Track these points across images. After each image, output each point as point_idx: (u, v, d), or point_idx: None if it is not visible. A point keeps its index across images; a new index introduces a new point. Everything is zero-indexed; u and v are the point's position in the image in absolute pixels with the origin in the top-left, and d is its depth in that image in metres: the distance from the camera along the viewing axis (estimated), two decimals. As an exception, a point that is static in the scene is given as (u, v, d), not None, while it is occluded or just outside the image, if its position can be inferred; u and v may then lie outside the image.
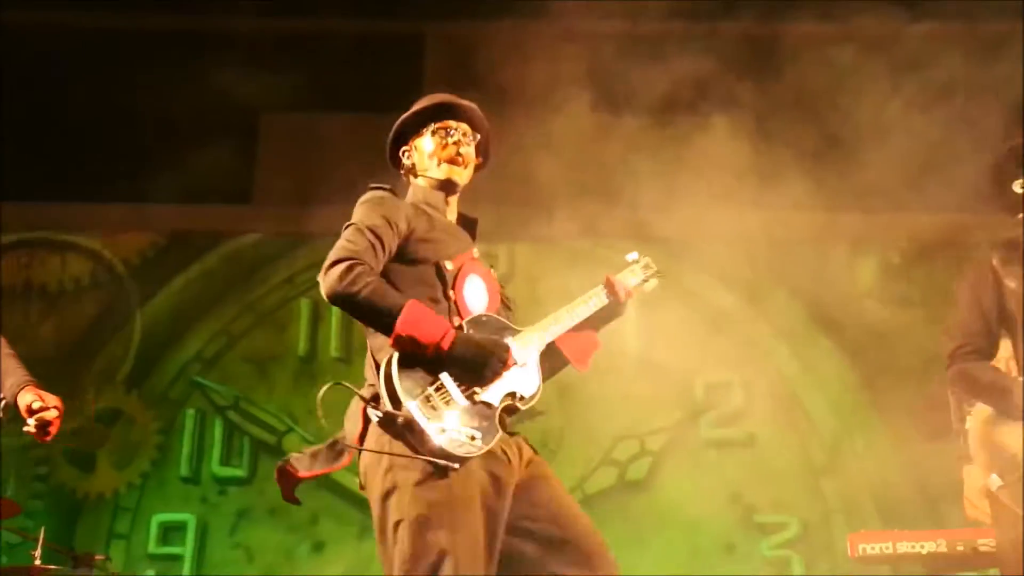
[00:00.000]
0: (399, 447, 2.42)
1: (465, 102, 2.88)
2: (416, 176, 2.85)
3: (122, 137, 6.39)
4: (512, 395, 2.55)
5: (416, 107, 2.86)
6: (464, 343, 2.48)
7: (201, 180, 6.37)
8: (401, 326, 2.43)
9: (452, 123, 2.83)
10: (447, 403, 2.44)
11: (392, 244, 2.63)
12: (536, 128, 5.36)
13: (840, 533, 5.59)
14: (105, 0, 6.35)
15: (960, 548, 4.32)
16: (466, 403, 2.46)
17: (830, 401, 6.10)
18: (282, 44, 6.71)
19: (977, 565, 4.32)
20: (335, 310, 6.33)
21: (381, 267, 2.61)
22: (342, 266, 2.50)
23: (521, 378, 2.58)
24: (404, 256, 2.65)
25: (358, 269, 2.51)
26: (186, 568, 6.02)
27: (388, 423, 2.44)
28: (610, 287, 2.81)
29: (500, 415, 2.51)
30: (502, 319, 2.68)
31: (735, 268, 5.98)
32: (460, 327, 2.56)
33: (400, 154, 2.89)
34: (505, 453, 2.51)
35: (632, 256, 2.99)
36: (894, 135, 5.37)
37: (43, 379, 6.15)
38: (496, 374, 2.51)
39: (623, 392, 5.63)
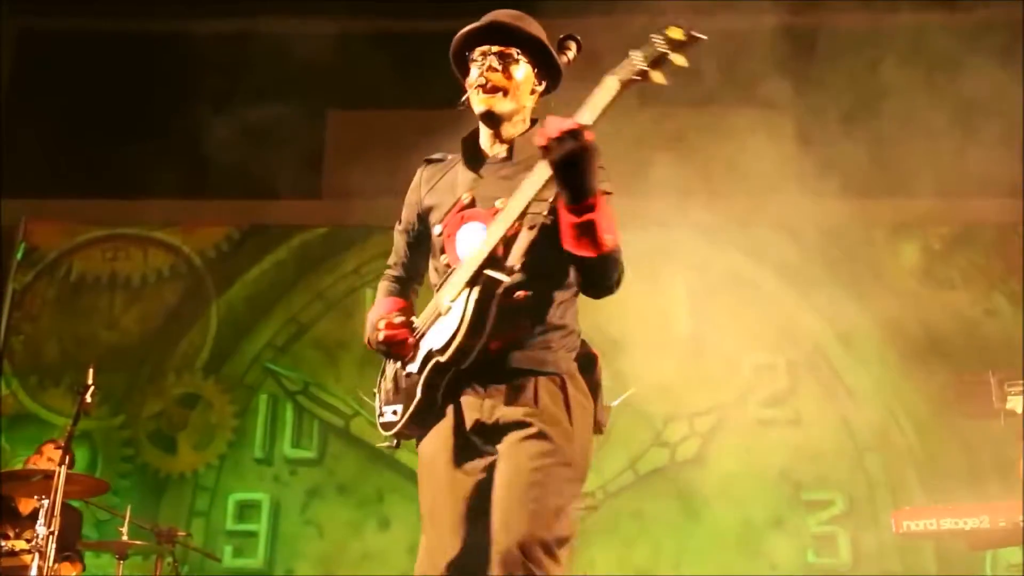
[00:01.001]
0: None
1: (511, 21, 2.53)
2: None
3: (197, 136, 6.60)
4: (428, 355, 2.37)
5: (459, 33, 2.56)
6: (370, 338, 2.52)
7: (273, 176, 6.59)
8: None
9: (487, 48, 2.50)
10: (383, 389, 2.51)
11: (415, 224, 2.61)
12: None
13: (885, 509, 5.62)
14: (182, 6, 6.55)
15: (1003, 524, 4.39)
16: (390, 383, 2.48)
17: (873, 381, 6.09)
18: (347, 43, 6.85)
19: (1020, 541, 4.36)
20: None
21: (410, 254, 2.65)
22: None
23: (438, 329, 2.37)
24: (428, 227, 2.58)
25: (378, 288, 2.70)
26: (261, 544, 6.28)
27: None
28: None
29: (430, 377, 2.36)
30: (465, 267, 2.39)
31: (780, 252, 6.00)
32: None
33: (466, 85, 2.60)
34: (477, 400, 2.37)
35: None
36: (934, 122, 5.39)
37: (127, 366, 6.58)
38: (382, 347, 2.45)
39: (672, 374, 5.64)
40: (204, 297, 6.83)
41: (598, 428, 2.49)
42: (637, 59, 2.18)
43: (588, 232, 2.24)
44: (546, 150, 2.18)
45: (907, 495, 5.78)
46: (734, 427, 6.10)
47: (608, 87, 2.21)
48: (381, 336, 2.45)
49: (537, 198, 2.30)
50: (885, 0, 5.77)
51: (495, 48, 2.50)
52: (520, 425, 2.33)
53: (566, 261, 2.36)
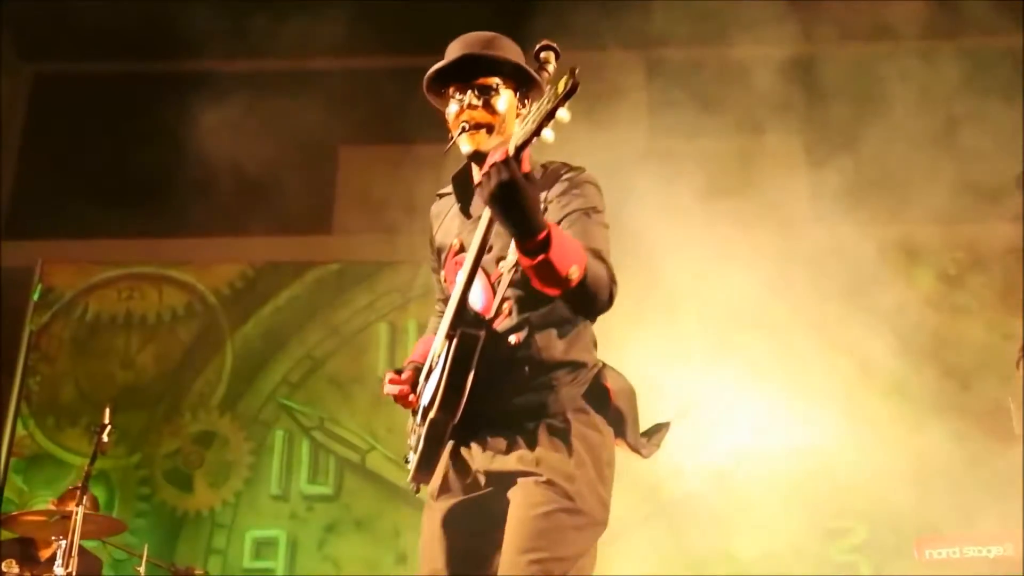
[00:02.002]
0: None
1: (483, 50, 2.40)
2: None
3: (210, 174, 6.66)
4: (425, 408, 2.31)
5: (430, 70, 2.44)
6: None
7: (286, 212, 6.64)
8: None
9: (464, 83, 2.39)
10: (409, 435, 2.48)
11: (436, 266, 2.60)
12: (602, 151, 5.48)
13: (908, 537, 5.57)
14: (194, 47, 6.64)
15: (1029, 552, 4.34)
16: (413, 434, 2.43)
17: (891, 407, 6.05)
18: (359, 78, 6.91)
19: (1047, 569, 4.32)
20: (412, 332, 6.58)
21: (444, 289, 2.57)
22: None
23: (430, 383, 2.32)
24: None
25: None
26: (279, 581, 6.26)
27: None
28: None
29: (431, 430, 2.29)
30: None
31: (793, 280, 6.00)
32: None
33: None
34: (457, 464, 2.37)
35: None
36: (948, 148, 5.40)
37: (143, 405, 6.60)
38: (400, 400, 2.44)
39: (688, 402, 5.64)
40: (219, 334, 6.85)
41: (637, 451, 2.42)
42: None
43: (548, 272, 2.07)
44: (480, 190, 2.06)
45: (930, 522, 5.72)
46: (755, 455, 6.05)
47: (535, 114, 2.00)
48: (385, 391, 2.45)
49: (489, 243, 2.21)
50: (900, 28, 5.78)
51: (473, 82, 2.39)
52: (523, 473, 2.26)
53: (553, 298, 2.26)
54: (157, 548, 5.52)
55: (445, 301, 2.51)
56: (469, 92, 2.39)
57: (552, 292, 2.14)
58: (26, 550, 5.02)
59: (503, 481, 2.30)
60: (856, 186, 5.60)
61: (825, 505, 5.94)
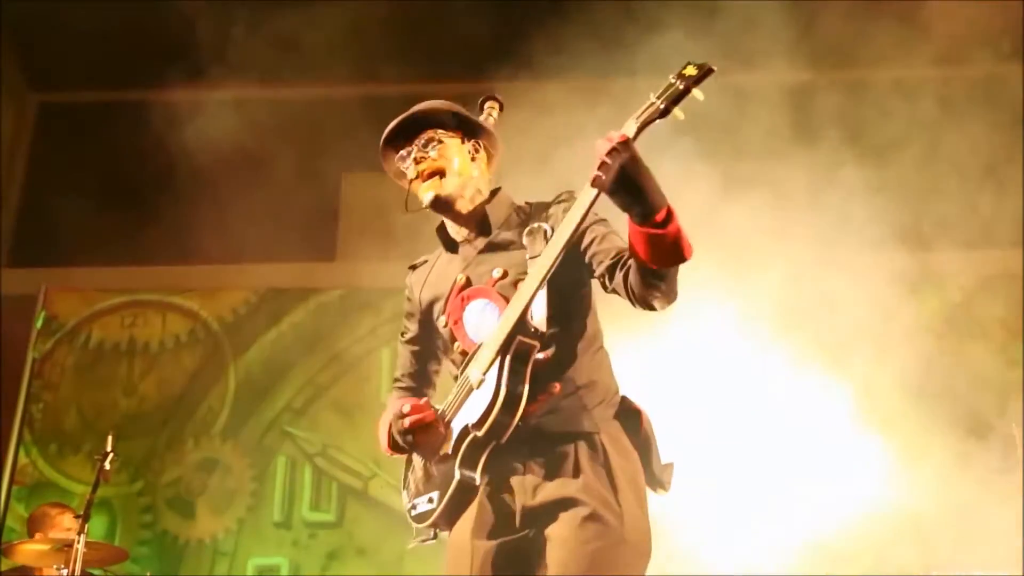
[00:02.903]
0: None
1: (415, 109, 2.54)
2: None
3: (213, 201, 6.69)
4: (464, 430, 2.26)
5: (380, 143, 2.59)
6: (392, 431, 2.45)
7: (289, 239, 6.66)
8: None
9: (410, 143, 2.53)
10: (416, 480, 2.44)
11: (418, 331, 2.63)
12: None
13: (913, 561, 5.54)
14: (198, 74, 6.69)
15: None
16: (421, 472, 2.40)
17: (896, 433, 6.02)
18: (362, 106, 6.95)
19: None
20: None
21: (417, 363, 2.64)
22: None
23: (472, 404, 2.28)
24: (433, 326, 2.57)
25: (388, 400, 2.67)
26: (281, 609, 6.23)
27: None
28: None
29: (466, 456, 2.26)
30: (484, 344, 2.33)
31: (795, 305, 5.99)
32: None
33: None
34: (517, 481, 2.30)
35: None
36: (953, 173, 5.42)
37: (146, 432, 6.59)
38: (408, 437, 2.37)
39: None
40: (222, 361, 6.86)
41: (658, 486, 2.41)
42: (656, 99, 2.12)
43: (673, 244, 2.12)
44: (598, 179, 2.09)
45: (934, 547, 5.68)
46: (759, 478, 6.02)
47: (628, 128, 2.12)
48: (407, 422, 2.34)
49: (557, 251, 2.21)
50: (901, 53, 5.82)
51: (426, 135, 2.50)
52: (566, 505, 2.24)
53: (581, 314, 2.37)
54: (159, 576, 5.53)
55: (413, 376, 2.66)
56: (414, 147, 2.51)
57: (669, 264, 2.15)
58: (27, 577, 5.01)
59: (544, 516, 2.27)
60: (861, 213, 5.60)
61: (830, 529, 5.90)
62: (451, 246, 2.56)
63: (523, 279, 2.30)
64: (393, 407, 2.52)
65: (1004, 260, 6.03)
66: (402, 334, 2.69)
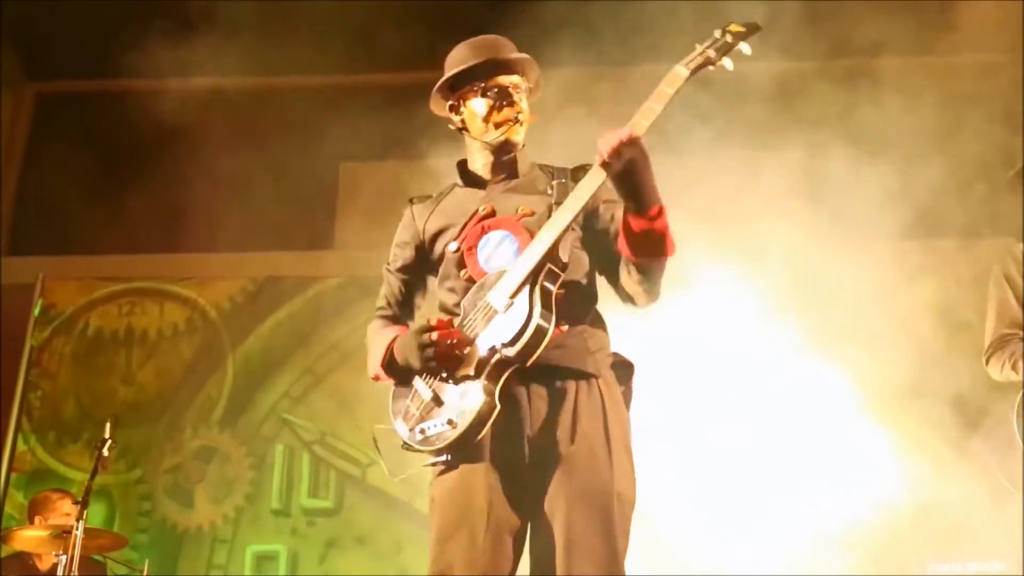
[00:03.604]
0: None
1: (517, 55, 2.64)
2: (468, 135, 2.66)
3: (211, 190, 6.70)
4: (491, 350, 2.32)
5: (466, 63, 2.60)
6: (398, 351, 2.45)
7: (287, 228, 6.66)
8: (369, 371, 2.56)
9: (504, 80, 2.59)
10: (420, 406, 2.39)
11: (412, 261, 2.66)
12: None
13: (910, 553, 5.55)
14: (196, 64, 6.68)
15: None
16: (431, 394, 2.37)
17: (894, 423, 6.03)
18: (360, 95, 6.94)
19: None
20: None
21: (404, 292, 2.68)
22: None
23: (499, 326, 2.33)
24: (431, 258, 2.62)
25: (368, 330, 2.70)
26: (280, 597, 6.25)
27: (404, 446, 2.45)
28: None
29: (490, 377, 2.32)
30: (502, 272, 2.40)
31: (791, 298, 6.00)
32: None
33: (449, 108, 2.69)
34: (520, 416, 2.36)
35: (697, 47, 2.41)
36: (950, 162, 5.42)
37: (144, 421, 6.61)
38: (431, 357, 2.35)
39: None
40: (220, 350, 6.85)
41: None
42: (704, 48, 2.36)
43: (658, 239, 2.33)
44: (606, 164, 2.25)
45: (932, 538, 5.69)
46: (754, 469, 6.02)
47: (675, 76, 2.34)
48: (435, 335, 2.35)
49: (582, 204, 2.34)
50: (900, 41, 5.81)
51: (511, 80, 2.59)
52: (566, 456, 2.32)
53: (584, 269, 2.51)
54: (158, 564, 5.55)
55: (399, 305, 2.70)
56: (516, 89, 2.59)
57: (651, 259, 2.36)
58: (24, 563, 5.01)
59: (546, 456, 2.35)
60: (857, 202, 5.60)
61: (827, 521, 5.91)
62: (475, 182, 2.65)
63: (547, 220, 2.41)
64: (380, 334, 2.61)
65: (1003, 248, 6.01)
66: (391, 262, 2.72)
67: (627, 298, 2.52)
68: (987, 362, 3.74)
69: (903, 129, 5.68)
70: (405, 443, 2.42)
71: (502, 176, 2.63)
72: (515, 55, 2.62)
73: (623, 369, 2.52)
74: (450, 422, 2.32)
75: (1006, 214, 5.18)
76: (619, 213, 2.41)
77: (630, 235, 2.33)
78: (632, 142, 2.24)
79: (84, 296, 7.02)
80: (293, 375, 6.79)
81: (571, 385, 2.39)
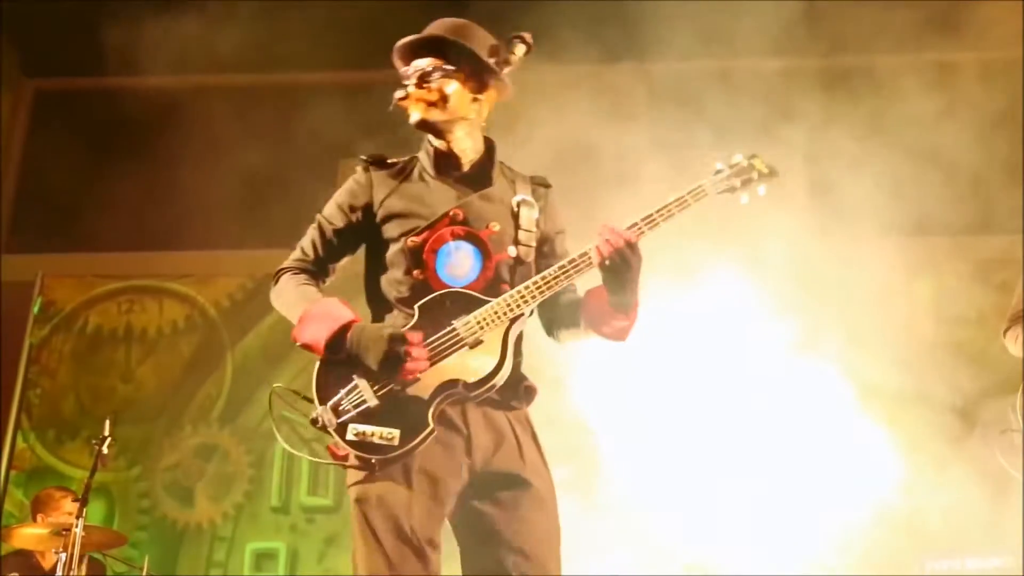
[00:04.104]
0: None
1: (440, 35, 2.55)
2: None
3: (210, 188, 6.69)
4: (453, 383, 2.31)
5: (402, 41, 2.59)
6: (355, 338, 2.34)
7: (285, 226, 6.63)
8: (294, 331, 2.46)
9: (425, 62, 2.53)
10: (358, 404, 2.31)
11: (345, 227, 2.57)
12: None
13: (908, 549, 5.55)
14: (194, 61, 6.67)
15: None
16: (376, 402, 2.31)
17: (893, 419, 6.04)
18: (357, 92, 6.93)
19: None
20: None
21: (325, 253, 2.60)
22: (276, 278, 2.62)
23: (467, 362, 2.32)
24: (381, 234, 2.52)
25: (282, 278, 2.62)
26: (279, 594, 6.25)
27: (313, 425, 2.38)
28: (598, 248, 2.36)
29: (437, 405, 2.31)
30: (471, 294, 2.40)
31: (790, 294, 6.00)
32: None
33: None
34: (461, 441, 2.36)
35: (720, 166, 2.57)
36: (950, 159, 5.42)
37: (143, 418, 6.61)
38: (395, 368, 2.28)
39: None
40: (219, 347, 6.86)
41: None
42: (730, 175, 2.54)
43: (623, 332, 2.47)
44: (601, 257, 2.34)
45: (930, 534, 5.68)
46: (753, 465, 6.02)
47: (701, 193, 2.51)
48: (415, 353, 2.29)
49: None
50: (896, 39, 5.81)
51: (431, 63, 2.51)
52: (516, 481, 2.38)
53: None
54: (157, 561, 5.56)
55: (316, 262, 2.63)
56: (427, 71, 2.51)
57: (604, 336, 2.49)
58: (27, 561, 5.02)
59: (492, 485, 2.38)
60: (856, 198, 5.60)
61: (825, 518, 5.92)
62: (443, 171, 2.57)
63: (514, 246, 2.47)
64: (307, 292, 2.55)
65: (1001, 245, 6.02)
66: (329, 218, 2.61)
67: (553, 336, 2.63)
68: (1004, 334, 3.77)
69: (903, 127, 5.69)
70: (323, 427, 2.35)
71: (474, 175, 2.57)
72: (448, 35, 2.54)
73: (528, 393, 2.52)
74: (392, 437, 2.28)
75: (1006, 212, 5.20)
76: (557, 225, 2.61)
77: (604, 319, 2.45)
78: (632, 247, 2.35)
79: (83, 294, 7.02)
80: (292, 372, 6.76)
81: (503, 417, 2.43)
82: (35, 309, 6.72)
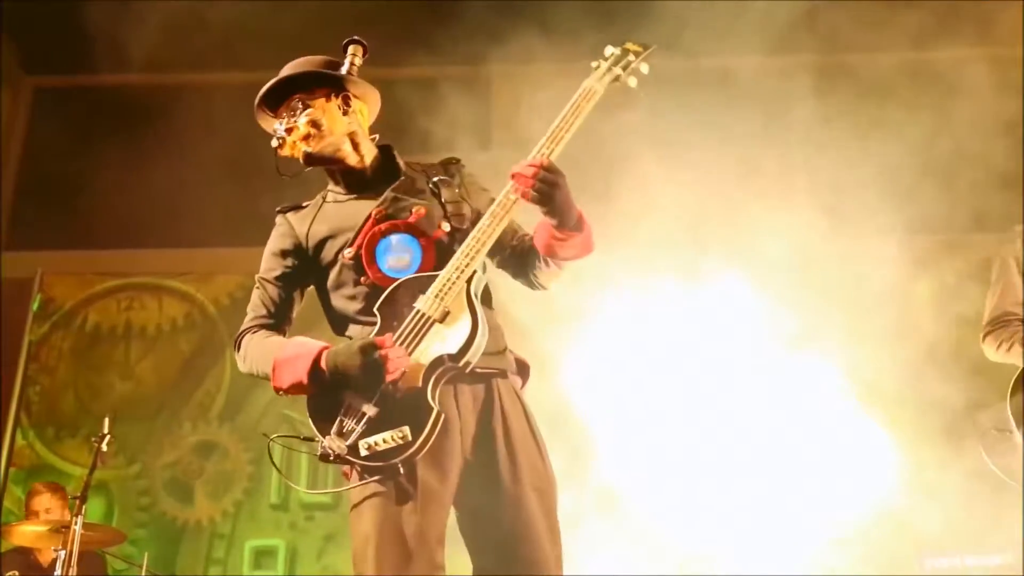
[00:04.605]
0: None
1: (283, 76, 2.67)
2: None
3: (209, 186, 6.69)
4: (439, 360, 2.32)
5: (255, 105, 2.71)
6: (331, 362, 2.36)
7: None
8: (274, 381, 2.45)
9: (280, 107, 2.66)
10: (359, 419, 2.31)
11: (284, 274, 2.63)
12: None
13: (909, 547, 5.55)
14: (194, 59, 6.67)
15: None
16: (375, 409, 2.30)
17: (893, 418, 6.04)
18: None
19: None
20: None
21: (280, 302, 2.63)
22: (237, 345, 2.61)
23: (444, 335, 2.33)
24: (319, 263, 2.59)
25: (243, 342, 2.60)
26: (278, 591, 6.26)
27: (326, 460, 2.36)
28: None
29: (434, 386, 2.32)
30: (420, 275, 2.44)
31: (791, 291, 6.00)
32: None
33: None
34: (455, 425, 2.38)
35: (595, 63, 2.59)
36: (946, 156, 5.41)
37: (143, 416, 6.61)
38: (378, 375, 2.29)
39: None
40: (218, 345, 6.86)
41: None
42: (609, 65, 2.54)
43: (584, 242, 2.49)
44: (523, 194, 2.37)
45: (931, 532, 5.68)
46: (754, 464, 6.02)
47: (591, 93, 2.49)
48: (383, 353, 2.29)
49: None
50: (893, 35, 5.81)
51: (290, 102, 2.63)
52: (507, 457, 2.40)
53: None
54: (157, 558, 5.55)
55: (275, 315, 2.65)
56: (286, 116, 2.64)
57: (572, 259, 2.50)
58: (26, 558, 5.02)
59: (482, 458, 2.41)
60: (855, 196, 5.60)
61: (825, 515, 5.92)
62: (352, 187, 2.64)
63: (446, 221, 2.52)
64: (272, 342, 2.55)
65: (1000, 243, 6.02)
66: (266, 273, 2.68)
67: (536, 286, 2.67)
68: (984, 339, 3.75)
69: (903, 125, 5.68)
70: (336, 457, 2.33)
71: (381, 177, 2.64)
72: (283, 77, 2.66)
73: (522, 368, 2.58)
74: (404, 436, 2.28)
75: (1006, 210, 5.19)
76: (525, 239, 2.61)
77: (558, 243, 2.46)
78: (547, 170, 2.37)
79: (83, 291, 7.02)
80: (292, 371, 6.77)
81: (492, 383, 2.46)
82: (34, 306, 6.71)
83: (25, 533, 4.76)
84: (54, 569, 4.37)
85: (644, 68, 2.57)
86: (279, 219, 2.71)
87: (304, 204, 2.72)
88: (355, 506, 2.37)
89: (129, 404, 6.64)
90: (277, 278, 2.65)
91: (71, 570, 4.25)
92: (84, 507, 4.37)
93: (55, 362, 6.86)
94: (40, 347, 6.84)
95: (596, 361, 5.48)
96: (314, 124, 2.60)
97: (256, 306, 2.67)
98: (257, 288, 2.68)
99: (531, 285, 2.68)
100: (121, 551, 5.16)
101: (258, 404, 6.72)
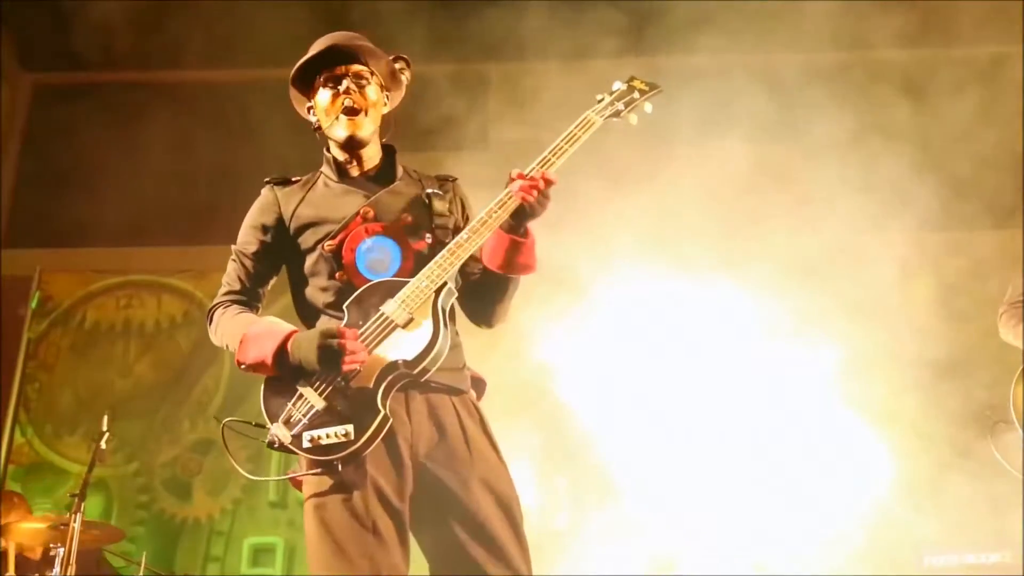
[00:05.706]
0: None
1: (353, 41, 2.60)
2: (323, 133, 2.65)
3: (208, 183, 6.70)
4: (393, 365, 2.30)
5: (302, 59, 2.62)
6: (295, 347, 2.34)
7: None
8: (237, 355, 2.43)
9: (341, 68, 2.58)
10: (307, 412, 2.31)
11: (262, 248, 2.60)
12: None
13: (908, 544, 5.55)
14: (192, 58, 6.66)
15: (1026, 560, 4.34)
16: (323, 404, 2.29)
17: (892, 415, 6.04)
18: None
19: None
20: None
21: (254, 277, 2.62)
22: (209, 317, 2.61)
23: (403, 341, 2.31)
24: (297, 245, 2.56)
25: (215, 315, 2.60)
26: (276, 588, 6.25)
27: (271, 447, 2.36)
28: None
29: (385, 391, 2.31)
30: (393, 280, 2.43)
31: (789, 289, 6.00)
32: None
33: (307, 111, 2.68)
34: (406, 431, 2.36)
35: (601, 96, 2.60)
36: (949, 154, 5.42)
37: (142, 413, 6.60)
38: (334, 363, 2.27)
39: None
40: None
41: None
42: (612, 100, 2.54)
43: (528, 253, 2.45)
44: (523, 199, 2.36)
45: (930, 529, 5.69)
46: (753, 458, 6.03)
47: (589, 123, 2.49)
48: (341, 342, 2.29)
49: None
50: (895, 33, 5.82)
51: (350, 68, 2.57)
52: (460, 469, 2.37)
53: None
54: (155, 556, 5.54)
55: (248, 291, 2.65)
56: (347, 77, 2.57)
57: (521, 272, 2.47)
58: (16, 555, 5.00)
59: (441, 471, 2.38)
60: (854, 194, 5.60)
61: (824, 512, 5.92)
62: (347, 177, 2.62)
63: (430, 233, 2.50)
64: (244, 319, 2.54)
65: (1000, 241, 6.03)
66: (244, 245, 2.64)
67: (486, 318, 2.62)
68: (1000, 316, 3.79)
69: (903, 123, 5.69)
70: (280, 445, 2.34)
71: (378, 175, 2.62)
72: (355, 43, 2.59)
73: (477, 384, 2.57)
74: (347, 434, 2.27)
75: (1006, 208, 5.20)
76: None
77: (506, 253, 2.42)
78: (550, 184, 2.37)
79: (81, 289, 7.02)
80: (291, 370, 6.77)
81: (446, 399, 2.44)
82: (33, 304, 6.71)
83: (24, 531, 4.76)
84: (46, 557, 4.37)
85: (648, 107, 2.56)
86: (265, 190, 2.65)
87: (294, 179, 2.67)
88: (307, 499, 2.38)
89: (128, 401, 6.64)
90: (254, 252, 2.63)
91: (70, 568, 4.25)
92: (83, 504, 4.38)
93: (54, 359, 6.86)
94: (39, 344, 6.84)
95: (596, 362, 5.49)
96: (368, 102, 2.57)
97: (230, 279, 2.66)
98: (233, 260, 2.66)
99: (477, 317, 2.63)
100: (120, 548, 5.17)
101: (257, 401, 6.67)
